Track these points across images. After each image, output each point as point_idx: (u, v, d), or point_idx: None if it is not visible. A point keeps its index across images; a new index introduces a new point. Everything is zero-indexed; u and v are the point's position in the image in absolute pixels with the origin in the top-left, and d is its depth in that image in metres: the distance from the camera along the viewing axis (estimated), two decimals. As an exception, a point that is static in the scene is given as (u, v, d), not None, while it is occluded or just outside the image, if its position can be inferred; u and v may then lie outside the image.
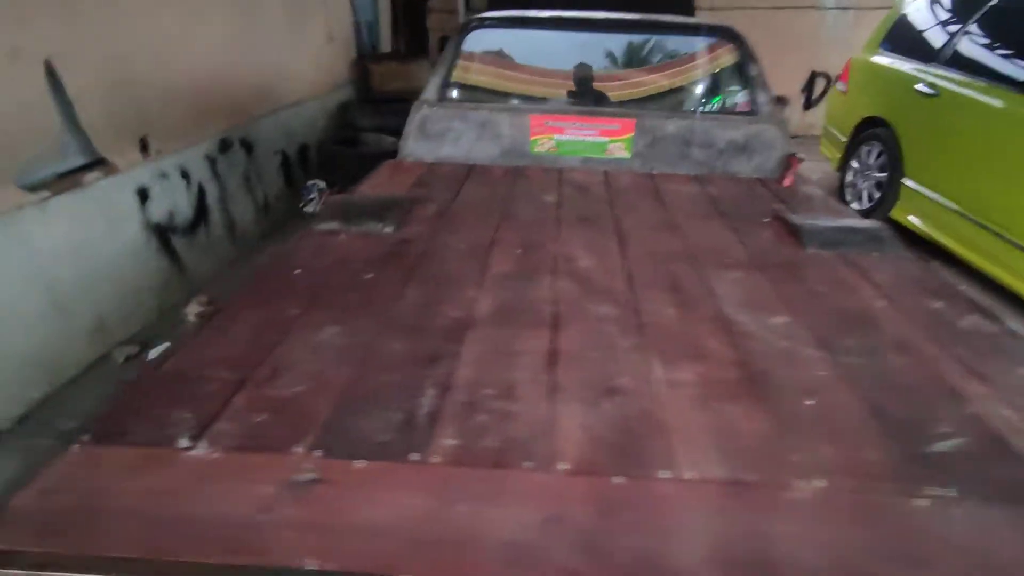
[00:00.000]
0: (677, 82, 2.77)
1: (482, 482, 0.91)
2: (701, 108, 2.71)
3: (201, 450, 0.95)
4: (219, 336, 1.31)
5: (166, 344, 2.64)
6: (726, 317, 1.44)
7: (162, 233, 2.99)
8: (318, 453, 0.94)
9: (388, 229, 1.93)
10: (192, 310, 2.90)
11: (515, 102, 2.76)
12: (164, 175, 3.03)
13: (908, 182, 3.79)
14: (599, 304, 1.50)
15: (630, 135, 2.67)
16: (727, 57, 2.67)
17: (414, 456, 0.95)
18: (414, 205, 2.11)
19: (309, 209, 4.12)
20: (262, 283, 1.60)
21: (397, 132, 4.91)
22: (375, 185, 2.44)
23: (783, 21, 6.31)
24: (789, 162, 2.58)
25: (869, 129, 4.27)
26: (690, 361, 1.26)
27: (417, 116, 2.73)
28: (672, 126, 2.64)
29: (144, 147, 2.90)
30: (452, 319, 1.39)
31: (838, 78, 4.98)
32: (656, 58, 2.80)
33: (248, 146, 3.78)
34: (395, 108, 5.18)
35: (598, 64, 2.74)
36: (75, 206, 2.47)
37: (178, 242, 3.10)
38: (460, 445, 0.98)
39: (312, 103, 4.76)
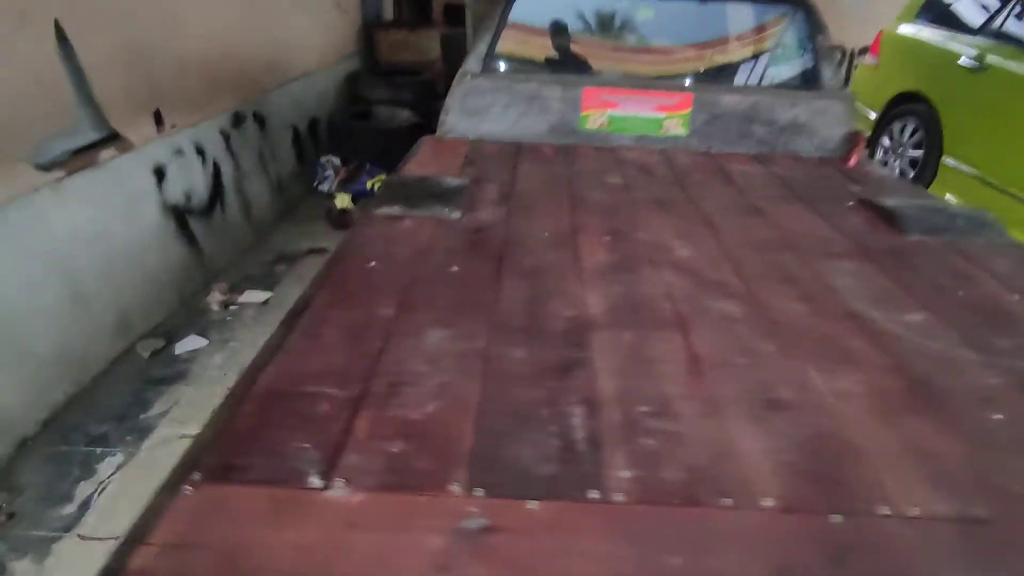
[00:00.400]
0: (740, 54, 2.61)
1: (681, 524, 0.78)
2: (764, 82, 2.55)
3: (339, 491, 0.80)
4: (312, 343, 1.16)
5: (195, 338, 2.47)
6: (859, 314, 1.32)
7: (179, 216, 2.78)
8: (479, 492, 0.80)
9: (455, 214, 1.77)
10: (215, 299, 2.72)
11: (565, 74, 2.57)
12: (179, 151, 2.80)
13: (948, 160, 3.69)
14: (718, 300, 1.36)
15: (688, 111, 2.50)
16: (793, 26, 2.50)
17: (592, 494, 0.81)
18: (475, 188, 1.94)
19: (324, 188, 3.92)
20: (340, 278, 1.43)
21: (410, 105, 4.73)
22: (421, 164, 2.26)
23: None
24: (855, 140, 2.45)
25: (903, 105, 4.15)
26: (844, 367, 1.13)
27: (459, 89, 2.53)
28: (733, 101, 2.48)
29: (159, 120, 2.67)
30: (566, 319, 1.25)
31: (865, 51, 4.83)
32: (718, 27, 2.62)
33: (261, 120, 3.54)
34: (405, 80, 4.98)
35: (655, 34, 2.56)
36: (91, 186, 2.26)
37: (195, 225, 2.89)
38: (639, 478, 0.84)
39: (321, 74, 4.49)
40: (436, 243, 1.60)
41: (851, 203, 2.00)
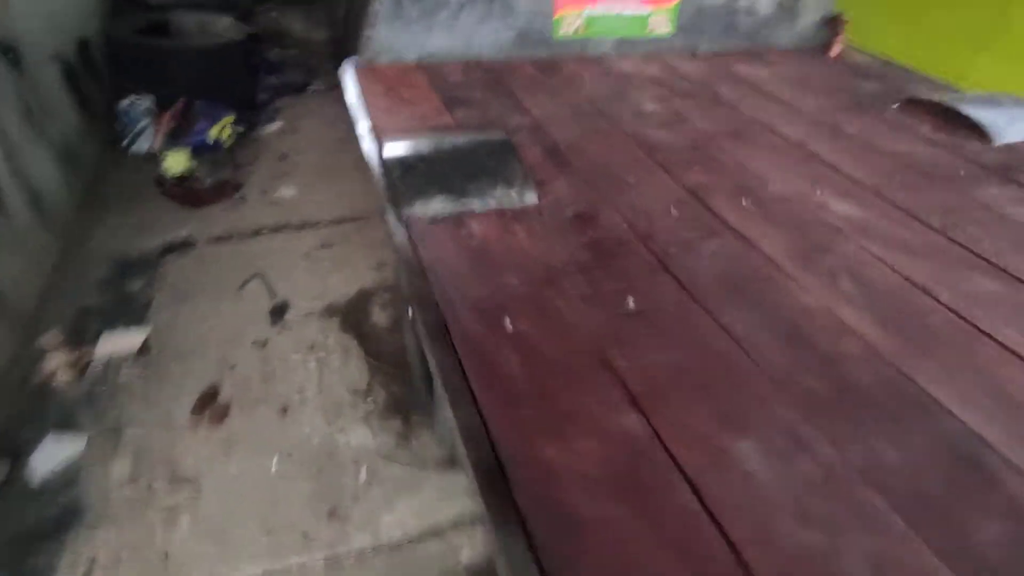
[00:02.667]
0: None
1: None
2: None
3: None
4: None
5: (57, 440, 1.56)
6: None
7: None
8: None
9: (530, 197, 1.19)
10: (55, 365, 1.75)
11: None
12: None
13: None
14: (970, 279, 1.07)
15: (676, 3, 2.05)
16: None
17: None
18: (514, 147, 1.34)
19: (142, 147, 2.75)
20: (487, 380, 0.81)
21: (228, 6, 3.45)
22: (382, 114, 1.54)
23: None
24: (836, 25, 2.25)
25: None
26: None
27: (386, -14, 1.74)
28: (723, -11, 2.08)
29: None
30: (844, 378, 0.85)
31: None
32: None
33: (11, 52, 2.21)
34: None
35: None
36: None
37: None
38: None
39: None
40: (545, 257, 1.05)
41: (896, 105, 1.82)
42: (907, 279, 1.06)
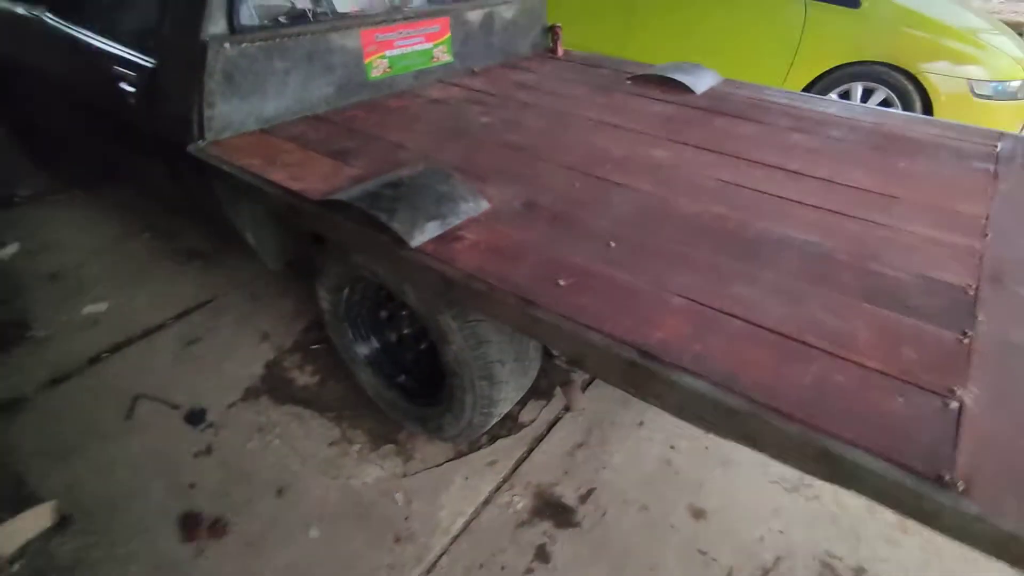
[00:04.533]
0: None
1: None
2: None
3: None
4: None
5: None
6: None
7: None
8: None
9: (484, 205, 1.50)
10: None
11: (327, 20, 2.07)
12: None
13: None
14: (737, 167, 1.76)
15: (448, 35, 2.47)
16: None
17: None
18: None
19: None
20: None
21: None
22: (290, 181, 1.62)
23: None
24: (555, 32, 2.96)
25: None
26: None
27: (217, 64, 1.75)
28: (475, 17, 2.57)
29: None
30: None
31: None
32: None
33: None
34: None
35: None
36: None
37: None
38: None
39: None
40: (534, 237, 1.40)
41: (628, 81, 2.57)
42: (718, 179, 1.70)
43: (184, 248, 2.68)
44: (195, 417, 1.87)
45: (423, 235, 1.36)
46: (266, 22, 1.92)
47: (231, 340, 2.19)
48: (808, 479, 1.67)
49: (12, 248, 2.63)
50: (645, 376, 1.04)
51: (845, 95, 3.53)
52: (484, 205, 1.51)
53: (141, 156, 2.13)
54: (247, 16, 1.85)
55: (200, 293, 2.41)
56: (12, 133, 3.27)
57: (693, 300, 1.18)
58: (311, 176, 1.64)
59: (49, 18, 2.25)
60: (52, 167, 3.17)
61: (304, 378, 2.05)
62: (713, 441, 1.81)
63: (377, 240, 1.38)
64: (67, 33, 2.17)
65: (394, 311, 1.80)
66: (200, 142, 1.79)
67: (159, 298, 2.38)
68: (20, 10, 2.40)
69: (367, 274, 1.59)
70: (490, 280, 1.23)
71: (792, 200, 1.60)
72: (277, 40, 1.90)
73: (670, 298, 1.19)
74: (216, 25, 1.78)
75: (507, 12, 2.73)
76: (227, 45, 1.77)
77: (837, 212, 1.54)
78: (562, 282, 1.23)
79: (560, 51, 2.97)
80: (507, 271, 1.27)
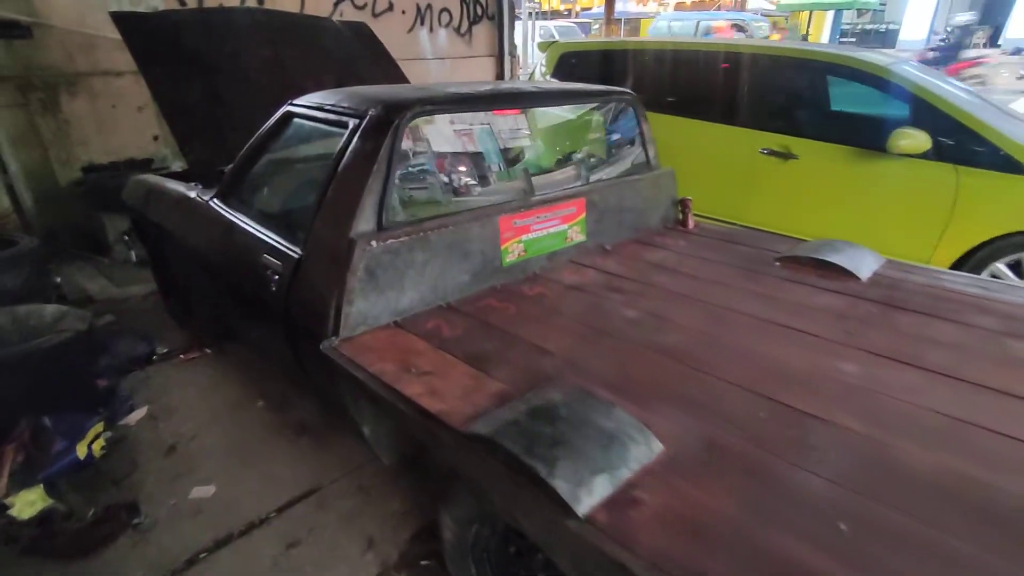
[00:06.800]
0: (591, 151, 2.61)
1: None
2: (613, 170, 2.64)
3: None
4: None
5: None
6: None
7: None
8: None
9: (656, 446, 1.22)
10: None
11: (468, 208, 2.05)
12: None
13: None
14: (957, 389, 1.40)
15: (583, 216, 2.38)
16: (624, 117, 2.67)
17: None
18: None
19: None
20: None
21: (16, 296, 2.87)
22: (428, 398, 1.43)
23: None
24: (685, 205, 2.83)
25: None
26: None
27: (361, 262, 1.70)
28: (609, 196, 2.49)
29: None
30: None
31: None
32: (562, 129, 2.54)
33: None
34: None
35: (509, 143, 2.28)
36: None
37: None
38: None
39: None
40: (724, 503, 1.09)
41: (777, 263, 2.32)
42: (938, 413, 1.35)
43: (295, 421, 2.58)
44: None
45: (591, 497, 1.09)
46: (412, 216, 1.90)
47: (334, 545, 1.95)
48: None
49: (140, 412, 2.65)
50: None
51: (1015, 266, 3.06)
52: (657, 447, 1.23)
53: (271, 334, 2.09)
54: (395, 213, 1.83)
55: (308, 478, 2.24)
56: (161, 293, 3.53)
57: None
58: (449, 390, 1.45)
59: (215, 204, 2.40)
60: (191, 327, 3.32)
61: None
62: None
63: (531, 497, 1.12)
64: (228, 218, 2.29)
65: (529, 552, 1.50)
66: (333, 339, 1.70)
67: (266, 482, 2.22)
68: (192, 193, 2.61)
69: (510, 520, 1.32)
70: None
71: None
72: (421, 234, 1.85)
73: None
74: (366, 223, 1.76)
75: (640, 187, 2.64)
76: (373, 243, 1.73)
77: None
78: None
79: (691, 223, 2.82)
80: (702, 562, 0.96)
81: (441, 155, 2.02)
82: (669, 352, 1.65)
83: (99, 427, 2.28)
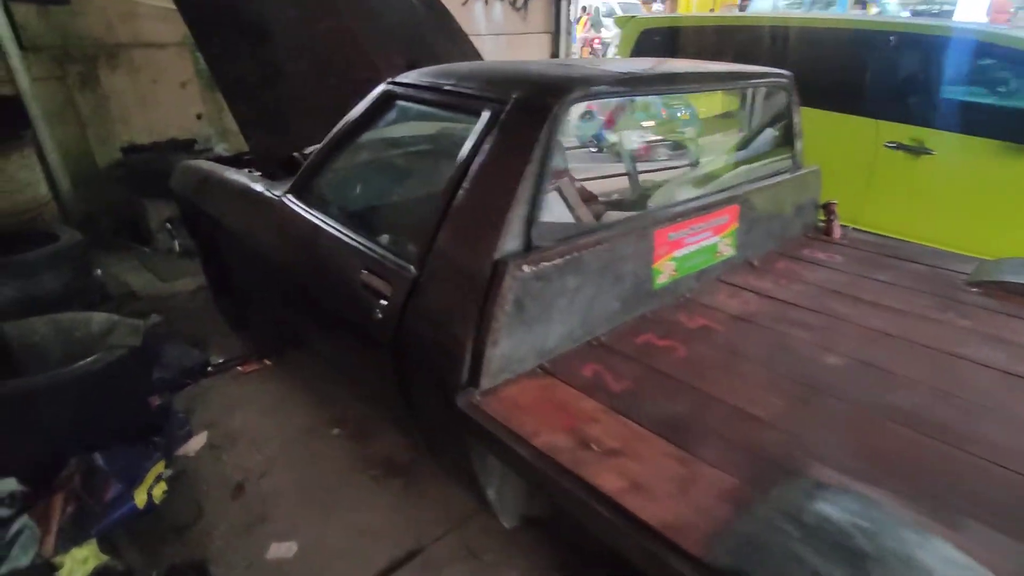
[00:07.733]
0: (742, 145, 2.18)
1: None
2: (759, 167, 2.20)
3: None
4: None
5: None
6: None
7: None
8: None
9: None
10: None
11: (623, 216, 1.64)
12: None
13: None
14: None
15: (736, 225, 1.96)
16: (775, 104, 2.22)
17: None
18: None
19: (20, 564, 1.74)
20: None
21: (53, 303, 2.54)
22: (629, 496, 1.06)
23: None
24: (831, 210, 2.39)
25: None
26: None
27: (511, 291, 1.31)
28: (763, 200, 2.07)
29: None
30: None
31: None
32: (713, 119, 2.11)
33: None
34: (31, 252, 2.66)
35: (668, 135, 1.87)
36: None
37: None
38: None
39: None
40: None
41: (974, 290, 1.89)
42: None
43: (381, 456, 2.22)
44: None
45: None
46: (558, 233, 1.50)
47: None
48: None
49: (200, 440, 2.30)
50: None
51: None
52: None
53: (371, 370, 1.72)
54: (544, 229, 1.43)
55: (405, 534, 1.88)
56: (212, 291, 3.18)
57: None
58: (655, 483, 1.07)
59: (290, 200, 2.02)
60: (247, 333, 2.98)
61: None
62: None
63: None
64: (309, 220, 1.91)
65: None
66: (472, 390, 1.32)
67: (356, 537, 1.87)
68: (258, 186, 2.23)
69: None
70: None
71: None
72: (575, 254, 1.45)
73: None
74: (513, 241, 1.36)
75: (788, 189, 2.21)
76: (525, 267, 1.33)
77: None
78: None
79: (837, 231, 2.37)
80: None
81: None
82: (914, 422, 1.25)
83: (160, 467, 1.94)
